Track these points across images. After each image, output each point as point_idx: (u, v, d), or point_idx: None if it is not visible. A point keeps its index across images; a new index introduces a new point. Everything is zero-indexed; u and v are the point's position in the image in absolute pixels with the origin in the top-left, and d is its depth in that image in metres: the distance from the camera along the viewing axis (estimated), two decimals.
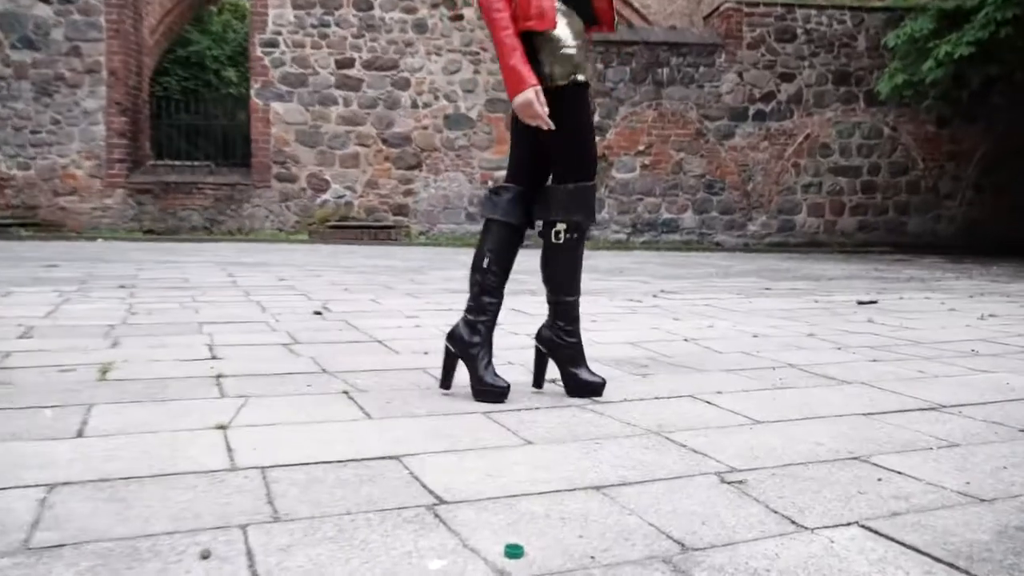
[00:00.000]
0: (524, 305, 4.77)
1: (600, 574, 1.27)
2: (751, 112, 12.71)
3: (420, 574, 1.26)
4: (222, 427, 2.02)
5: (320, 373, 2.74)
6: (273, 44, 11.88)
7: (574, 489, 1.64)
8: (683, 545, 1.38)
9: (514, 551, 1.33)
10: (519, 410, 2.28)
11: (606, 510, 1.53)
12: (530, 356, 3.14)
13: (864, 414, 2.34)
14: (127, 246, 10.04)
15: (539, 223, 2.49)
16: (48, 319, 3.83)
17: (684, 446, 1.97)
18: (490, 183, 11.38)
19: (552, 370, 2.58)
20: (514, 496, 1.59)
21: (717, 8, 12.89)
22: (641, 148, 12.49)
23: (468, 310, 2.48)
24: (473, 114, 12.28)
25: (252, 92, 12.03)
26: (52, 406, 2.18)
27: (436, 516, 1.48)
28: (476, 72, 12.12)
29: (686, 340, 3.65)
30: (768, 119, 12.76)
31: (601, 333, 3.75)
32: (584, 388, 2.46)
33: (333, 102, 12.03)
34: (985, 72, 10.22)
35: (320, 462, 1.77)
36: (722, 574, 1.28)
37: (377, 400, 2.36)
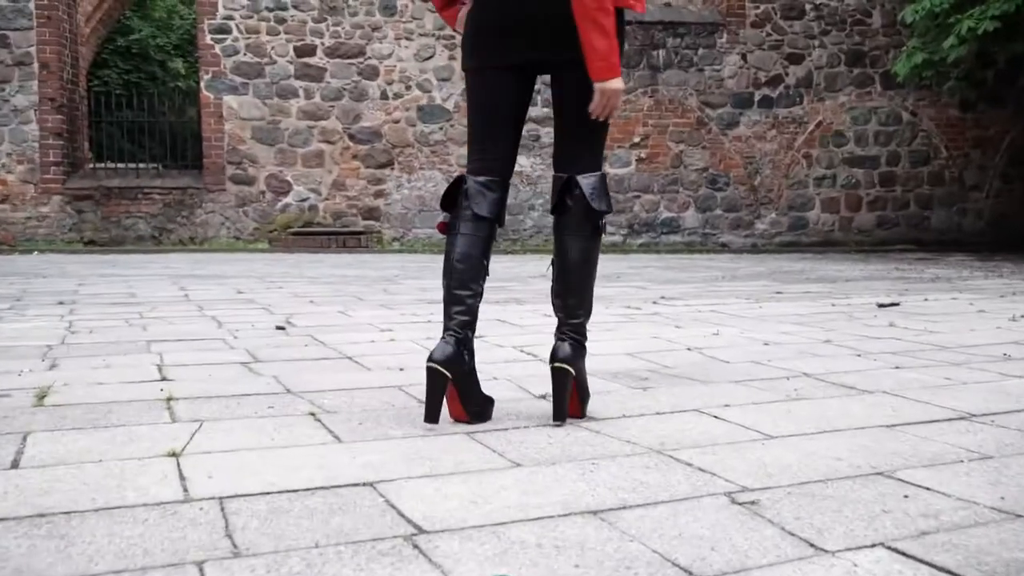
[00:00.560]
0: (509, 315, 4.78)
1: None
2: (757, 98, 12.80)
3: None
4: (174, 454, 2.01)
5: (283, 393, 2.73)
6: (224, 30, 11.86)
7: (569, 514, 1.64)
8: (691, 573, 1.38)
9: None
10: (505, 429, 2.28)
11: (605, 536, 1.53)
12: (517, 371, 3.15)
13: (887, 426, 2.35)
14: (66, 259, 9.99)
15: (571, 218, 2.36)
16: None
17: (690, 464, 1.97)
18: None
19: (544, 384, 2.57)
20: (502, 524, 1.59)
21: None
22: (636, 140, 12.54)
23: (461, 326, 2.32)
24: (449, 105, 12.29)
25: (202, 85, 12.00)
26: None
27: (415, 547, 1.48)
28: (452, 58, 12.11)
29: (689, 349, 3.66)
30: (775, 105, 12.84)
31: (596, 344, 3.73)
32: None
33: (293, 94, 12.01)
34: (1012, 49, 10.31)
35: (284, 491, 1.76)
36: None
37: (347, 422, 2.36)
